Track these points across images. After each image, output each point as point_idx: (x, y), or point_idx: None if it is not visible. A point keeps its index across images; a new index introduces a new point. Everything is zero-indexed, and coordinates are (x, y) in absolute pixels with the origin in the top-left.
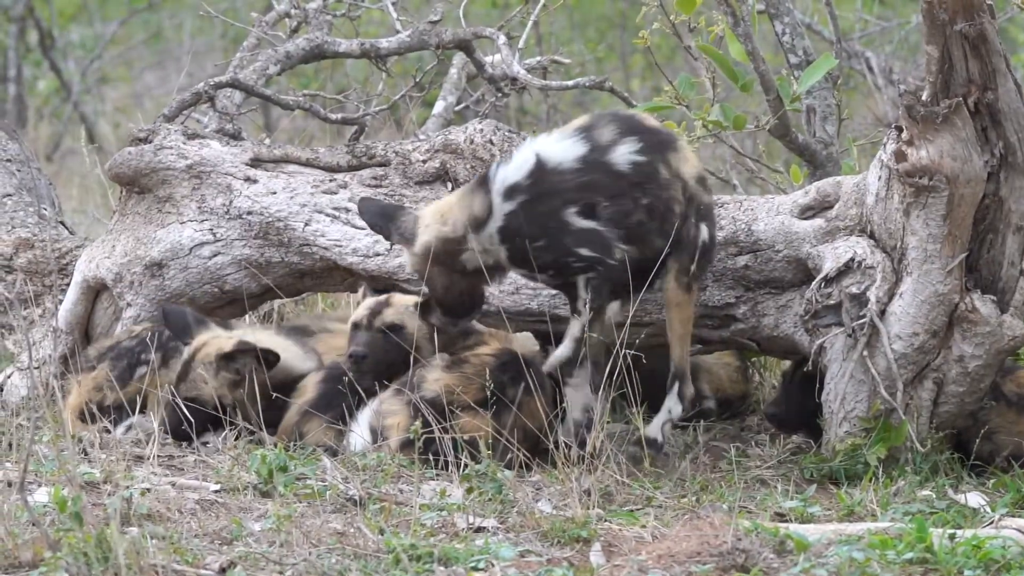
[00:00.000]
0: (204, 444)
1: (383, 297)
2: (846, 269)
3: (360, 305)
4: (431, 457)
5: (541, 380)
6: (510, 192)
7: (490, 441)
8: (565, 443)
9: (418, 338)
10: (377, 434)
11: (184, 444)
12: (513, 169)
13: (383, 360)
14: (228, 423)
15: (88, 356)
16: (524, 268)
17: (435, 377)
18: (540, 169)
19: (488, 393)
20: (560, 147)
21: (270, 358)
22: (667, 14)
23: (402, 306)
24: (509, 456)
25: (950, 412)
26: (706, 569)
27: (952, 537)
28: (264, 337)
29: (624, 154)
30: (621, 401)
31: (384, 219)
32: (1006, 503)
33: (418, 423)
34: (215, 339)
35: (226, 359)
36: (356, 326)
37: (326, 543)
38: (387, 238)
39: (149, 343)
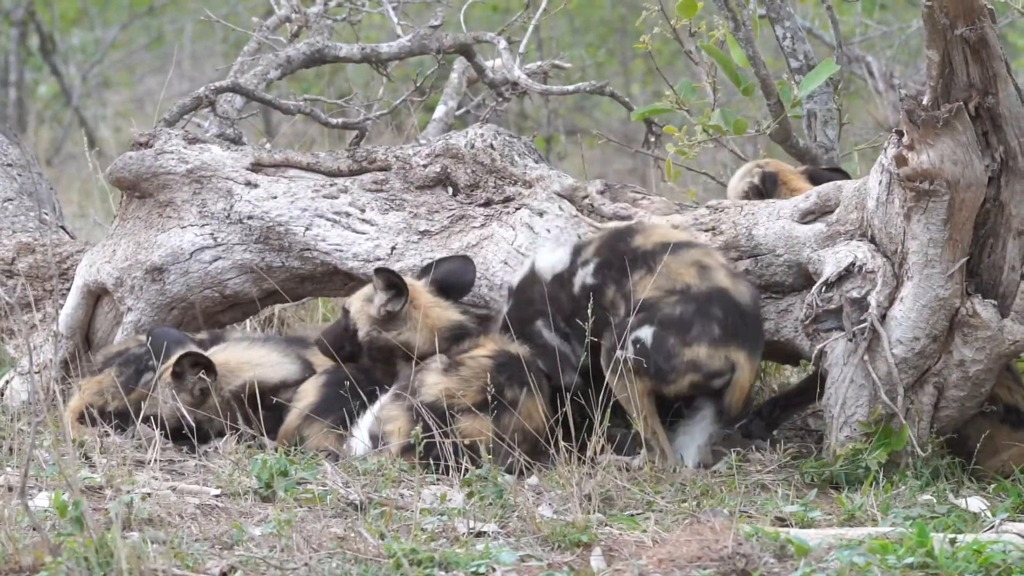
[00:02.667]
0: (205, 453)
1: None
2: (847, 273)
3: None
4: (432, 462)
5: (539, 381)
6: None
7: (491, 444)
8: (567, 447)
9: (359, 321)
10: (378, 439)
11: (186, 449)
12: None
13: (330, 345)
14: (228, 428)
15: (95, 361)
16: None
17: (434, 381)
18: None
19: (488, 396)
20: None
21: (205, 363)
22: (668, 19)
23: (362, 289)
24: (510, 460)
25: (951, 417)
26: (707, 574)
27: (953, 542)
28: (237, 350)
29: (581, 277)
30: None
31: None
32: (1007, 507)
33: (418, 428)
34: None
35: (176, 377)
36: None
37: (327, 548)
38: None
39: (150, 347)
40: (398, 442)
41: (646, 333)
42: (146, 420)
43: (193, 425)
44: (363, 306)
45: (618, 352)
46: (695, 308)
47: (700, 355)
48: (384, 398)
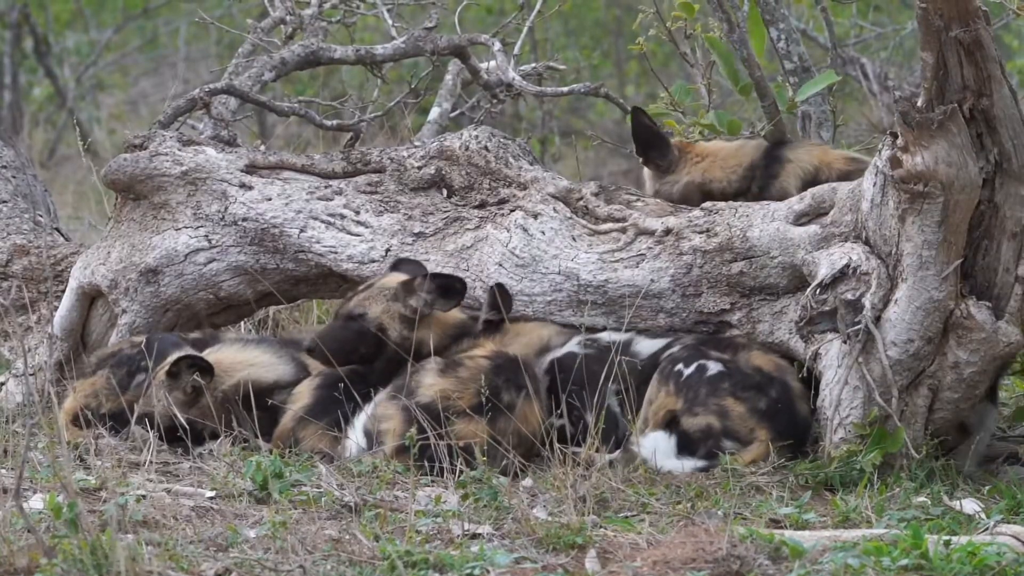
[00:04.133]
0: (200, 455)
1: (373, 279)
2: (841, 275)
3: None
4: (426, 464)
5: (536, 384)
6: None
7: (485, 447)
8: (560, 449)
9: (385, 320)
10: (372, 439)
11: (180, 451)
12: None
13: (342, 349)
14: (223, 430)
15: (88, 363)
16: None
17: (430, 382)
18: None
19: (483, 399)
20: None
21: (203, 365)
22: (663, 21)
23: (376, 290)
24: (504, 462)
25: (945, 419)
26: (701, 575)
27: (947, 544)
28: (231, 350)
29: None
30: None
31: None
32: (1001, 509)
33: (413, 430)
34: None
35: (171, 376)
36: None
37: (321, 550)
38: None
39: (147, 353)
40: (392, 442)
41: (713, 365)
42: (141, 420)
43: (186, 425)
44: (390, 306)
45: (681, 366)
46: (759, 380)
47: (734, 409)
48: (379, 397)
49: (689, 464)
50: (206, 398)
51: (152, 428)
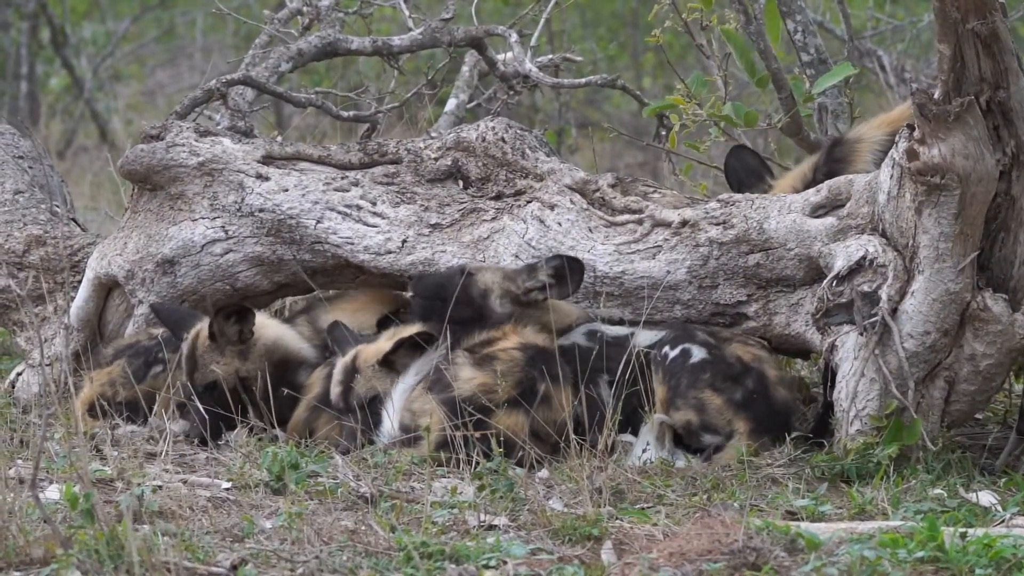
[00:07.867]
0: (219, 445)
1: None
2: (858, 267)
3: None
4: (469, 456)
5: (564, 370)
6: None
7: (527, 438)
8: (578, 440)
9: (495, 291)
10: (410, 432)
11: (199, 444)
12: None
13: (435, 288)
14: (240, 420)
15: (105, 353)
16: None
17: (468, 376)
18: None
19: (524, 390)
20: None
21: (239, 310)
22: (679, 12)
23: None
24: (521, 453)
25: (961, 411)
26: (717, 567)
27: (963, 536)
28: (260, 318)
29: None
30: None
31: None
32: (1017, 502)
33: (445, 425)
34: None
35: (213, 338)
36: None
37: (337, 540)
38: None
39: (164, 344)
40: (433, 436)
41: (697, 351)
42: (207, 392)
43: (238, 389)
44: (505, 281)
45: (667, 349)
46: (739, 370)
47: (711, 402)
48: (413, 391)
49: (679, 457)
50: (254, 344)
51: (215, 400)
